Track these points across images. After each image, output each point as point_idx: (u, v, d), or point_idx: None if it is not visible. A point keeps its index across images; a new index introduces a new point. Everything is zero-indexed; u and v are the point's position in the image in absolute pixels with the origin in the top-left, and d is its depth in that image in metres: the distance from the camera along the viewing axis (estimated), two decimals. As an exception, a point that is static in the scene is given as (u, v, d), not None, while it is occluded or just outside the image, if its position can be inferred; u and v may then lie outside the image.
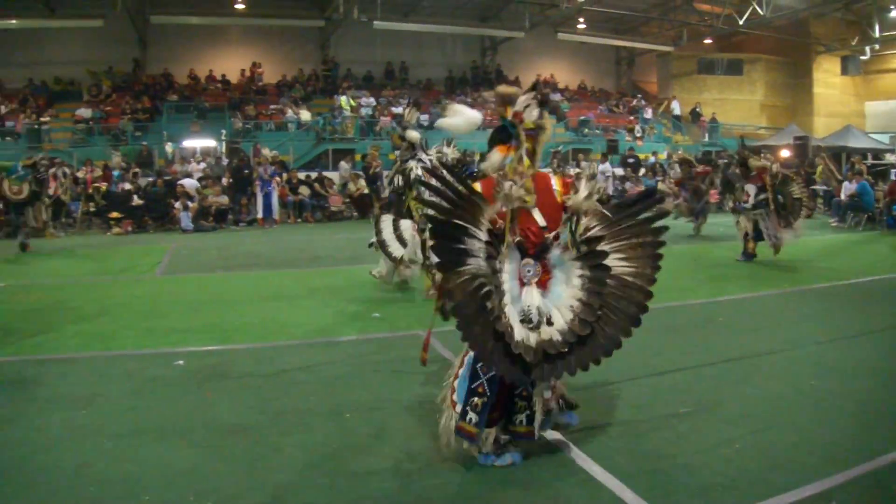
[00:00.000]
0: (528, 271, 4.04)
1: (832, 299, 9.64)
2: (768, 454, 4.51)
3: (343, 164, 23.73)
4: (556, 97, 32.70)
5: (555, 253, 4.12)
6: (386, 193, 10.00)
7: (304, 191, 22.43)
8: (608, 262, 3.99)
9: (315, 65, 32.05)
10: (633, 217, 4.11)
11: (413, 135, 9.33)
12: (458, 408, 4.27)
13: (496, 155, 4.16)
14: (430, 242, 8.27)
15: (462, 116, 4.74)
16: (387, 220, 9.92)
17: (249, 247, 15.98)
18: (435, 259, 4.02)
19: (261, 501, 4.01)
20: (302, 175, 23.36)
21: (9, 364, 6.85)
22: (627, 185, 25.20)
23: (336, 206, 22.44)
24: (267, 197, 20.84)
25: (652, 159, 28.10)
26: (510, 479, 4.22)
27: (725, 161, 16.18)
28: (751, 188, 12.47)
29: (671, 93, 36.15)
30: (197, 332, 7.89)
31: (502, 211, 4.04)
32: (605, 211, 4.11)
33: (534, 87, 4.27)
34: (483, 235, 3.91)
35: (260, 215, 20.83)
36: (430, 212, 4.04)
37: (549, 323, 3.90)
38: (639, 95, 36.29)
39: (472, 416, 4.21)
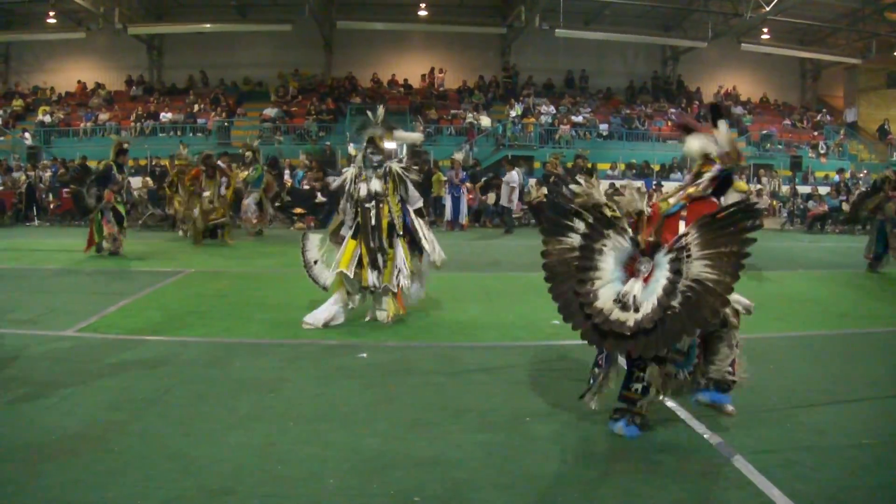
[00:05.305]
0: (642, 266, 4.59)
1: None
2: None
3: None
4: (738, 110, 31.53)
5: (659, 255, 4.54)
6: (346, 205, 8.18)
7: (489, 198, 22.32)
8: (696, 266, 4.26)
9: (495, 71, 32.13)
10: (726, 227, 4.28)
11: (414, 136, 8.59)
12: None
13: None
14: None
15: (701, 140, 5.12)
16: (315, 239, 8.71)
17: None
18: None
19: (441, 495, 3.99)
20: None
21: (200, 344, 7.09)
22: (811, 203, 24.00)
23: (514, 213, 22.18)
24: (456, 201, 20.87)
25: (836, 178, 26.61)
26: (685, 492, 4.09)
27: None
28: None
29: (857, 108, 34.03)
30: (378, 328, 7.87)
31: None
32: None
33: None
34: (589, 220, 4.73)
35: (448, 218, 20.86)
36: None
37: (637, 311, 4.36)
38: (823, 110, 34.42)
39: (591, 381, 5.00)
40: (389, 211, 7.84)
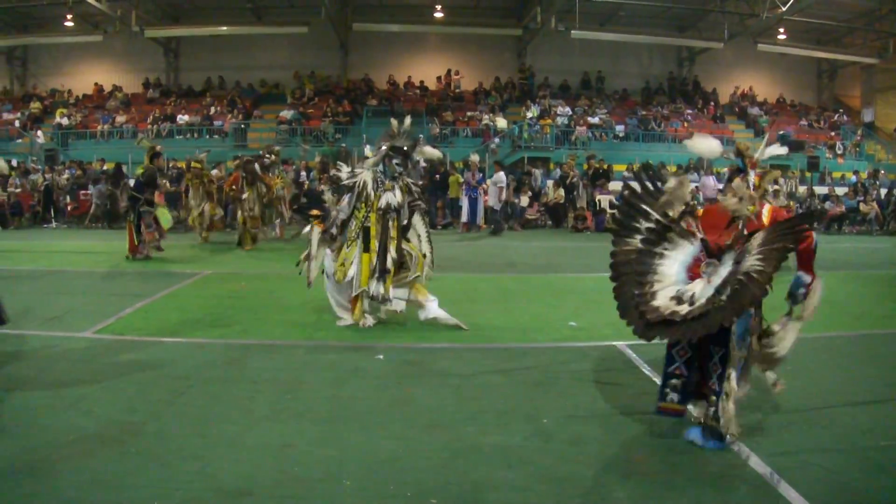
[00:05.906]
0: (708, 268, 4.58)
1: None
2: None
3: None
4: (755, 111, 31.42)
5: (727, 256, 4.55)
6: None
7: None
8: (749, 261, 4.28)
9: (511, 73, 32.11)
10: (787, 227, 4.43)
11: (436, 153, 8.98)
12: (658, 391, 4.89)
13: (737, 182, 4.85)
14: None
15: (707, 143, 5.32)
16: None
17: (445, 250, 15.97)
18: None
19: (458, 496, 3.98)
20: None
21: (216, 346, 7.10)
22: (828, 204, 23.85)
23: (530, 214, 22.21)
24: (473, 202, 20.73)
25: (853, 178, 26.45)
26: (702, 494, 4.08)
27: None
28: None
29: (874, 108, 33.76)
30: (395, 329, 7.88)
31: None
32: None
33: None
34: (651, 223, 4.84)
35: (464, 220, 20.78)
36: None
37: (692, 304, 4.36)
38: (840, 110, 34.13)
39: (672, 395, 4.76)
40: (399, 222, 7.86)
